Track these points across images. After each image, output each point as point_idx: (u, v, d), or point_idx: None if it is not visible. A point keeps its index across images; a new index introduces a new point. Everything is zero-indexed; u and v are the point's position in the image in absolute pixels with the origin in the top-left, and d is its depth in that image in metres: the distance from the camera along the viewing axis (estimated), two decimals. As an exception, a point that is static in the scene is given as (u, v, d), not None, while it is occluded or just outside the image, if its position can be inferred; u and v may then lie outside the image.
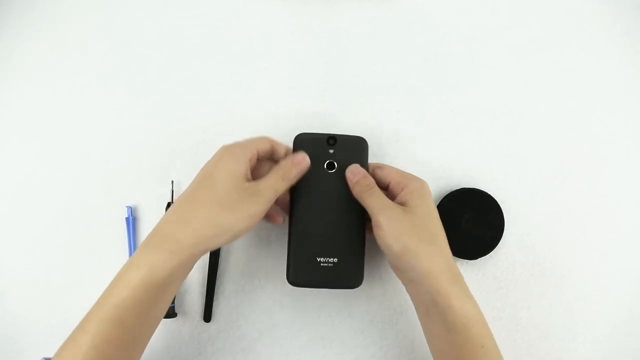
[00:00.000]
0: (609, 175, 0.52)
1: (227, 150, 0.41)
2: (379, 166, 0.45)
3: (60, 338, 0.50)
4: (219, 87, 0.53)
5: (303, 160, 0.43)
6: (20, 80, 0.53)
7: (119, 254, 0.50)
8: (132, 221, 0.50)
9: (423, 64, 0.53)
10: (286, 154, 0.44)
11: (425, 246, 0.39)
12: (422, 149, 0.52)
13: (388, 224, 0.39)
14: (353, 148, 0.45)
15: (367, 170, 0.45)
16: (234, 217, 0.38)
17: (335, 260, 0.43)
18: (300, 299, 0.50)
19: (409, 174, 0.44)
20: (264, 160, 0.44)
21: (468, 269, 0.51)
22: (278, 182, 0.41)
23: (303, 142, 0.45)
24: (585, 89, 0.53)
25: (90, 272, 0.51)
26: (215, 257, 0.49)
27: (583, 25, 0.54)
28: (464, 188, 0.50)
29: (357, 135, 0.46)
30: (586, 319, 0.51)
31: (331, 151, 0.45)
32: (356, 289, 0.45)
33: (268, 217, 0.45)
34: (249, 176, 0.41)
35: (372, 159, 0.51)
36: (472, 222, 0.49)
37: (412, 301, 0.44)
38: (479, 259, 0.50)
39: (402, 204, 0.41)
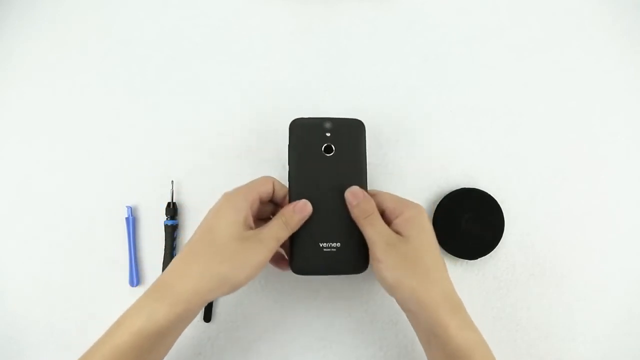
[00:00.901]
0: (609, 175, 0.52)
1: (227, 199, 0.41)
2: (373, 193, 0.43)
3: (60, 338, 0.50)
4: (219, 87, 0.53)
5: (305, 207, 0.42)
6: (20, 80, 0.53)
7: (119, 254, 0.50)
8: (132, 221, 0.50)
9: (423, 64, 0.53)
10: (285, 197, 0.43)
11: (419, 279, 0.39)
12: (422, 149, 0.52)
13: (384, 257, 0.39)
14: (350, 131, 0.45)
15: (365, 155, 0.45)
16: (232, 269, 0.38)
17: (338, 245, 0.43)
18: (300, 299, 0.50)
19: (405, 200, 0.43)
20: (266, 203, 0.44)
21: (468, 269, 0.51)
22: (280, 229, 0.40)
23: (299, 126, 0.45)
24: (585, 89, 0.53)
25: (90, 272, 0.51)
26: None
27: (583, 25, 0.54)
28: (464, 188, 0.50)
29: (354, 117, 0.46)
30: (586, 319, 0.51)
31: (328, 134, 0.44)
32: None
33: (274, 262, 0.45)
34: (251, 223, 0.41)
35: (372, 160, 0.51)
36: (472, 222, 0.49)
37: (414, 329, 0.43)
38: (479, 259, 0.50)
39: (397, 232, 0.40)
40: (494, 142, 0.52)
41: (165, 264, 0.50)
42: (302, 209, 0.42)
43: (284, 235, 0.41)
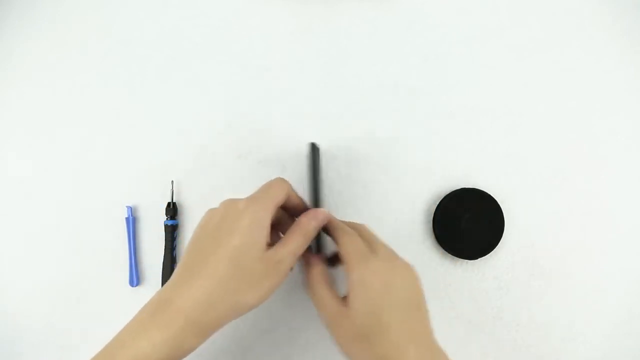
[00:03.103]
0: (609, 175, 0.52)
1: (254, 216, 0.36)
2: (337, 240, 0.40)
3: (60, 338, 0.50)
4: (219, 87, 0.53)
5: (322, 214, 0.40)
6: (20, 80, 0.53)
7: (119, 254, 0.50)
8: (132, 221, 0.50)
9: (423, 64, 0.53)
10: (296, 205, 0.41)
11: (377, 352, 0.35)
12: (422, 149, 0.52)
13: (332, 331, 0.37)
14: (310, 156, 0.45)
15: (318, 175, 0.43)
16: (257, 296, 0.36)
17: None
18: (300, 299, 0.50)
19: (353, 259, 0.37)
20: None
21: (468, 269, 0.51)
22: (298, 244, 0.38)
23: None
24: (585, 89, 0.53)
25: (90, 272, 0.51)
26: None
27: (583, 25, 0.54)
28: (464, 188, 0.50)
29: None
30: (586, 319, 0.51)
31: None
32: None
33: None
34: (269, 238, 0.37)
35: (372, 160, 0.51)
36: (472, 222, 0.49)
37: None
38: (479, 259, 0.50)
39: (345, 300, 0.37)
40: (494, 142, 0.52)
41: (166, 264, 0.50)
42: (315, 215, 0.39)
43: (303, 247, 0.38)
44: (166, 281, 0.49)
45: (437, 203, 0.50)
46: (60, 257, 0.51)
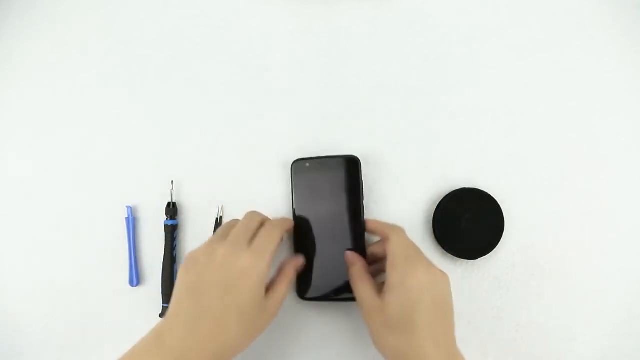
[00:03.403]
0: (609, 175, 0.52)
1: (256, 275, 0.39)
2: (387, 237, 0.44)
3: (60, 338, 0.50)
4: (219, 87, 0.53)
5: (299, 260, 0.46)
6: (20, 80, 0.53)
7: (119, 254, 0.50)
8: (132, 221, 0.50)
9: (423, 64, 0.53)
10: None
11: (403, 345, 0.38)
12: (422, 149, 0.52)
13: (367, 321, 0.42)
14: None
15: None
16: (255, 337, 0.41)
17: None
18: (299, 301, 0.50)
19: (397, 259, 0.41)
20: None
21: (468, 269, 0.51)
22: (286, 288, 0.43)
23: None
24: (585, 89, 0.53)
25: (90, 272, 0.51)
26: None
27: (583, 25, 0.54)
28: (464, 188, 0.50)
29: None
30: (586, 319, 0.51)
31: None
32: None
33: None
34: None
35: (371, 160, 0.51)
36: (472, 222, 0.49)
37: None
38: (479, 259, 0.50)
39: (382, 294, 0.41)
40: (494, 142, 0.52)
41: (166, 264, 0.50)
42: (295, 262, 0.46)
43: (289, 288, 0.44)
44: (166, 281, 0.50)
45: (437, 203, 0.50)
46: (60, 257, 0.51)
